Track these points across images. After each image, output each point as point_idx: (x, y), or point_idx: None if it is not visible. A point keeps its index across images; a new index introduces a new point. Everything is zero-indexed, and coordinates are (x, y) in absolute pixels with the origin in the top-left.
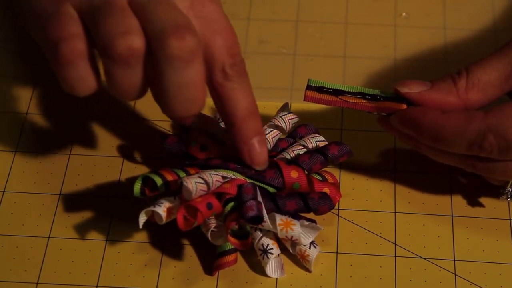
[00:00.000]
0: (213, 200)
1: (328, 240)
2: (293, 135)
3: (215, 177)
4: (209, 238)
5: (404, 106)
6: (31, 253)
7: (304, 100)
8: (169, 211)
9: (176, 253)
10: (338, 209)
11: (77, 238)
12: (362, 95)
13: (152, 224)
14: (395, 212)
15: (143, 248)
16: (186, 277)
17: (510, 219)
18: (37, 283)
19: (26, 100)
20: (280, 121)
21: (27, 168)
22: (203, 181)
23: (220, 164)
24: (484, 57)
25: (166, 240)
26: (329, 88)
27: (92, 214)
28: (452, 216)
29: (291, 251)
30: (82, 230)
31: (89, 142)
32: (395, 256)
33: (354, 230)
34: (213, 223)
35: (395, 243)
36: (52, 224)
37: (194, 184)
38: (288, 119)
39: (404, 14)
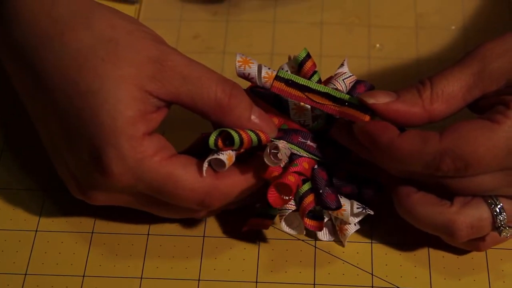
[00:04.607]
0: (299, 180)
1: (305, 272)
2: (350, 93)
3: (288, 151)
4: (283, 221)
5: (367, 118)
6: None
7: (270, 89)
8: (230, 159)
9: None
10: (315, 240)
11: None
12: (329, 97)
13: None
14: (371, 243)
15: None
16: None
17: (485, 251)
18: None
19: None
20: (341, 84)
21: None
22: (289, 153)
23: (282, 136)
24: (447, 68)
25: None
26: (297, 83)
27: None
28: (428, 246)
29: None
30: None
31: None
32: (373, 287)
33: (331, 261)
34: (292, 206)
35: (372, 274)
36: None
37: (286, 153)
38: (349, 82)
39: (378, 45)
